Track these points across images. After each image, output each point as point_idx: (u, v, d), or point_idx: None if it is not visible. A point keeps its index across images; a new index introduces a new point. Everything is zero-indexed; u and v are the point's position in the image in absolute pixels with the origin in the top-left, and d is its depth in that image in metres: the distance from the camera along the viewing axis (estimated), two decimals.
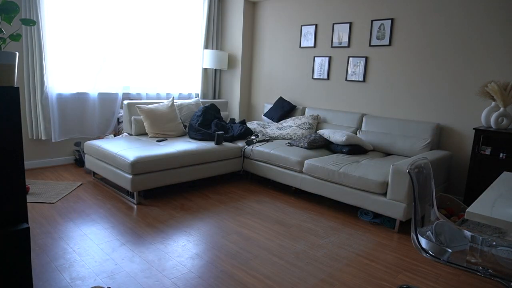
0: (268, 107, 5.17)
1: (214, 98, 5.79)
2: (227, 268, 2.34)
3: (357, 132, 4.19)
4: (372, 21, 4.18)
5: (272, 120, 4.90)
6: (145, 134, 4.32)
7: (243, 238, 2.78)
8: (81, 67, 4.36)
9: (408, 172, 1.83)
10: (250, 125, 4.82)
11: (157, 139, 4.05)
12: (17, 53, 1.68)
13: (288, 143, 4.14)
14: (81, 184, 3.81)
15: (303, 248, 2.66)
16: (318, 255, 2.57)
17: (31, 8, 3.82)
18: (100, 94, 4.61)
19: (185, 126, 4.53)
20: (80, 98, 4.47)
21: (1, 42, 1.63)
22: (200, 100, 4.95)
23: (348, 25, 4.41)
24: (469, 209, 1.49)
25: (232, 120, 4.85)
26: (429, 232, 1.93)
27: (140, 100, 4.95)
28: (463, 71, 3.60)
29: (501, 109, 3.20)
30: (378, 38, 4.15)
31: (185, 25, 5.26)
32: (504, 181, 2.02)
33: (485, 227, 2.40)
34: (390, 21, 4.03)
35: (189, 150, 3.69)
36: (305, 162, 3.59)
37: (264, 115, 5.07)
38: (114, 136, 4.60)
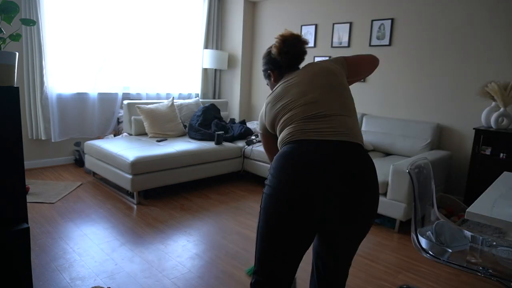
0: None
1: (214, 98, 5.79)
2: (227, 268, 2.34)
3: None
4: (372, 21, 4.18)
5: None
6: (145, 134, 4.32)
7: (243, 238, 2.77)
8: (81, 67, 4.36)
9: (408, 172, 1.83)
10: (250, 125, 4.82)
11: (157, 139, 4.05)
12: (17, 53, 1.68)
13: None
14: (81, 184, 3.80)
15: None
16: None
17: (31, 8, 3.82)
18: (100, 94, 4.61)
19: (185, 126, 4.53)
20: (80, 98, 4.47)
21: (1, 42, 1.63)
22: (200, 100, 4.95)
23: (348, 25, 4.41)
24: (469, 209, 1.49)
25: (232, 120, 4.85)
26: (429, 232, 1.93)
27: (140, 100, 4.94)
28: (463, 71, 3.60)
29: (501, 109, 3.20)
30: (378, 38, 4.15)
31: (185, 25, 5.26)
32: (504, 181, 2.02)
33: (485, 227, 2.40)
34: (390, 21, 4.03)
35: (189, 150, 3.69)
36: None
37: None
38: (114, 136, 4.60)
